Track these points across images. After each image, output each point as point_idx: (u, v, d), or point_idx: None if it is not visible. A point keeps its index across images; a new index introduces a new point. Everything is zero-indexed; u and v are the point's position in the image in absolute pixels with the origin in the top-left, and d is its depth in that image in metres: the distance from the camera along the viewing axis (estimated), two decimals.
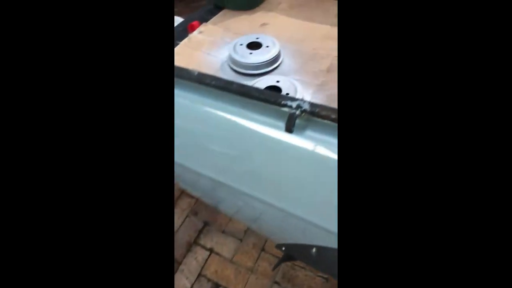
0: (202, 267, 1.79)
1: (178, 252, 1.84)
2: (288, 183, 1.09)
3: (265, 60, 1.34)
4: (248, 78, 1.34)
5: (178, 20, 1.66)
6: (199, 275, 1.76)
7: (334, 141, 0.93)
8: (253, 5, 1.71)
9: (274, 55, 1.35)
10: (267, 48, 1.37)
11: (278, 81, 1.24)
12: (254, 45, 1.40)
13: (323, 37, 1.50)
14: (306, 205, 1.06)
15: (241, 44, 1.39)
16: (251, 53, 1.35)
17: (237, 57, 1.35)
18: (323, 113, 0.90)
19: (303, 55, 1.42)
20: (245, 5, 1.70)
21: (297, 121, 0.95)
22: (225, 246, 1.88)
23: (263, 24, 1.61)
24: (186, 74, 1.13)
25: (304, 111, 0.93)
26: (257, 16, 1.66)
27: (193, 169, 1.28)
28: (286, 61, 1.40)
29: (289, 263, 1.84)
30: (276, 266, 1.60)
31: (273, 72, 1.36)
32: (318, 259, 1.13)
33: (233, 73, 1.37)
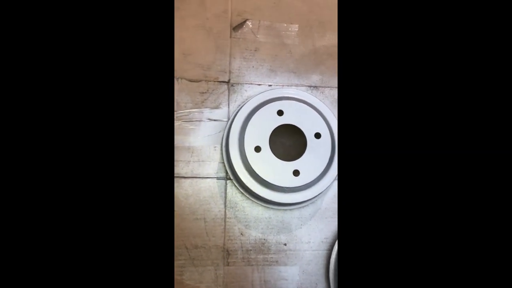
0: None
1: None
2: None
3: (333, 178, 0.65)
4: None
5: None
6: None
7: None
8: None
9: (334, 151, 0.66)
10: (318, 141, 0.65)
11: None
12: (283, 136, 0.65)
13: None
14: None
15: (260, 149, 0.64)
16: (296, 172, 0.63)
17: (266, 191, 0.65)
18: None
19: None
20: None
21: None
22: None
23: (239, 26, 0.74)
24: None
25: None
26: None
27: None
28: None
29: None
30: None
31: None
32: None
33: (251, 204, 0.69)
